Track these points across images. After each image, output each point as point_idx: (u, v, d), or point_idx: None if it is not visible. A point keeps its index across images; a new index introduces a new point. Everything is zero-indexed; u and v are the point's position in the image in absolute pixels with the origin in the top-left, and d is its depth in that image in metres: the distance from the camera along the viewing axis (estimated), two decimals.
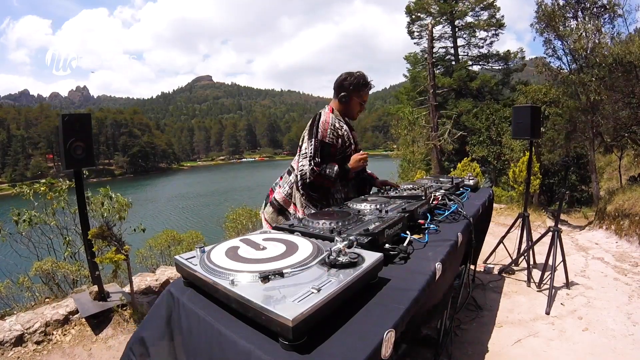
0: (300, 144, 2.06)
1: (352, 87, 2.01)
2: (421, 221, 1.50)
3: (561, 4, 10.01)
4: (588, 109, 9.61)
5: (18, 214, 3.02)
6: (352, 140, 2.11)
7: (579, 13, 9.84)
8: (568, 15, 9.99)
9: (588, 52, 9.37)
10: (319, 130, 1.97)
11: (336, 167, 1.96)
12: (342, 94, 2.03)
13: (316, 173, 1.92)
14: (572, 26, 9.75)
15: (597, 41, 9.17)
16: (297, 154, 2.07)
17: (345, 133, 2.06)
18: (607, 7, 9.36)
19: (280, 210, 2.15)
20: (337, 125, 2.02)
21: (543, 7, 10.00)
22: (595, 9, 9.61)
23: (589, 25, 9.30)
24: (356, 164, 2.04)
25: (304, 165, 1.94)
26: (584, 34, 9.32)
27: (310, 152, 1.93)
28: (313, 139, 1.95)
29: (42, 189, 3.04)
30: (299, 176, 1.97)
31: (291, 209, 2.11)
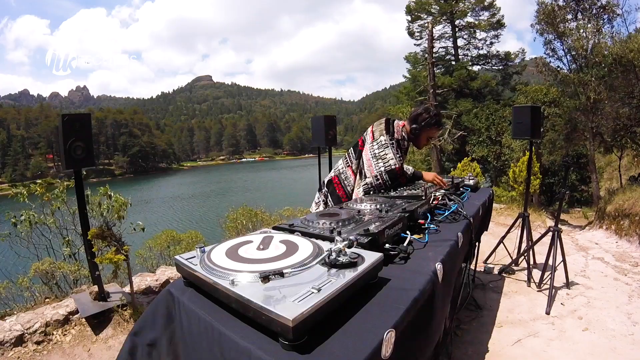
0: (368, 135, 2.25)
1: (424, 124, 2.21)
2: (421, 221, 1.50)
3: (561, 4, 10.03)
4: (588, 108, 9.62)
5: (14, 217, 3.00)
6: (402, 155, 2.28)
7: (579, 14, 9.85)
8: (568, 16, 10.00)
9: (588, 52, 9.38)
10: (394, 129, 2.22)
11: (411, 169, 2.20)
12: (414, 126, 2.24)
13: (402, 163, 2.15)
14: (572, 26, 9.76)
15: (597, 41, 9.19)
16: (363, 141, 2.26)
17: (403, 148, 2.27)
18: (606, 7, 9.37)
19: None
20: (403, 135, 2.26)
21: (543, 6, 10.02)
22: (594, 10, 9.62)
23: (589, 25, 9.31)
24: (430, 177, 2.20)
25: (387, 154, 2.13)
26: (584, 34, 9.33)
27: (392, 145, 2.15)
28: (389, 135, 2.17)
29: (38, 189, 3.01)
30: (379, 162, 2.13)
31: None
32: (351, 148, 2.38)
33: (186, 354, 0.92)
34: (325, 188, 2.37)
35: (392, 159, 2.11)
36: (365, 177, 2.16)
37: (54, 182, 3.17)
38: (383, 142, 2.16)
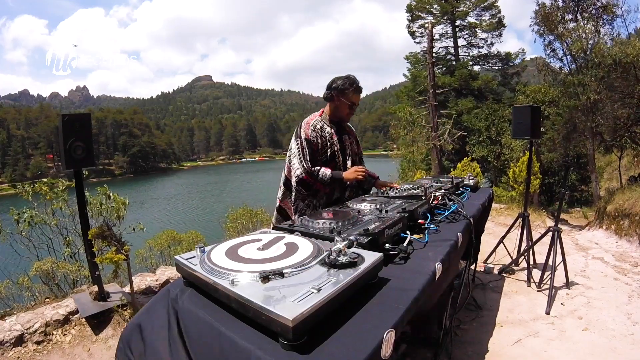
0: (290, 145, 2.19)
1: (336, 87, 2.10)
2: (421, 221, 1.50)
3: (560, 5, 10.05)
4: (588, 108, 9.63)
5: (18, 213, 3.02)
6: (334, 141, 2.17)
7: (578, 15, 9.87)
8: (568, 16, 10.02)
9: (588, 53, 9.39)
10: (302, 130, 2.11)
11: (329, 173, 2.06)
12: (327, 91, 2.13)
13: (307, 171, 2.04)
14: (571, 27, 9.78)
15: (596, 41, 9.20)
16: (287, 154, 2.19)
17: (328, 135, 2.15)
18: (606, 7, 9.38)
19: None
20: (318, 126, 2.14)
21: (541, 7, 10.06)
22: (594, 10, 9.64)
23: (588, 26, 9.33)
24: (351, 174, 2.10)
25: (294, 164, 2.08)
26: (583, 35, 9.35)
27: (299, 151, 2.06)
28: (298, 139, 2.09)
29: (44, 188, 3.03)
30: (291, 173, 2.08)
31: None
32: None
33: (186, 355, 0.92)
34: (278, 214, 2.27)
35: (298, 168, 2.04)
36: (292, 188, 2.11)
37: (55, 182, 3.18)
38: (292, 151, 2.10)
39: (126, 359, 1.03)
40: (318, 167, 2.07)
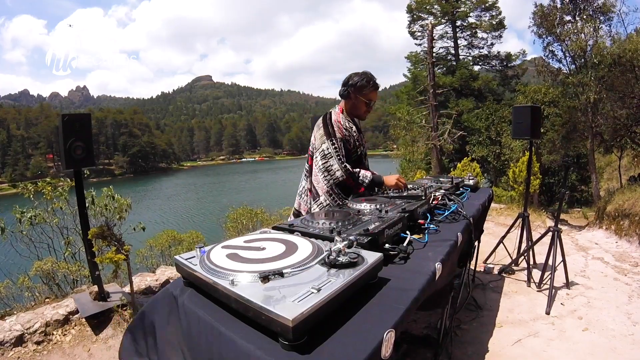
0: (314, 145, 2.04)
1: (352, 84, 2.00)
2: (421, 221, 1.50)
3: (559, 6, 10.08)
4: (587, 108, 9.64)
5: (22, 212, 3.03)
6: (361, 142, 2.13)
7: (577, 17, 9.90)
8: (567, 17, 10.05)
9: (587, 52, 9.41)
10: (335, 129, 1.98)
11: (369, 175, 1.98)
12: (343, 88, 2.04)
13: (350, 173, 1.94)
14: (569, 27, 9.82)
15: (596, 40, 9.22)
16: (312, 155, 2.06)
17: (355, 134, 2.07)
18: (603, 8, 9.42)
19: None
20: (347, 125, 2.04)
21: (539, 8, 10.09)
22: (591, 11, 9.67)
23: (587, 25, 9.35)
24: (392, 180, 2.00)
25: (332, 165, 1.93)
26: (582, 35, 9.37)
27: (336, 152, 1.94)
28: (333, 139, 1.96)
29: (47, 188, 3.04)
30: (327, 176, 1.94)
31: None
32: (305, 166, 2.13)
33: (186, 354, 0.92)
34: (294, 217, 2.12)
35: (337, 170, 1.92)
36: (318, 195, 1.97)
37: (54, 182, 3.18)
38: (326, 152, 1.94)
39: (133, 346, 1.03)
40: (358, 169, 2.00)
